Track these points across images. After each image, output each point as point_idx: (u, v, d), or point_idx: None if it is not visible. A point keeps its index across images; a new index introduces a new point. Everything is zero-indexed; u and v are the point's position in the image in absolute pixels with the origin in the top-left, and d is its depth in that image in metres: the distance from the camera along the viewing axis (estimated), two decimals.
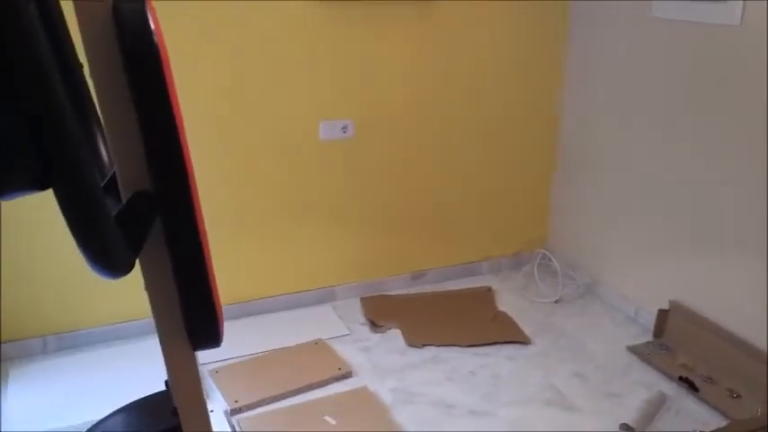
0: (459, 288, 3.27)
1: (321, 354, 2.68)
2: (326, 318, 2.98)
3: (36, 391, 2.42)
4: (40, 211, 2.45)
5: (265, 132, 2.76)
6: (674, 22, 2.59)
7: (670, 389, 2.48)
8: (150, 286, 1.01)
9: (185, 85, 2.49)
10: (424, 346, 2.77)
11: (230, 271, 2.87)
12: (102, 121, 0.93)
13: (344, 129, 2.88)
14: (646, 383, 2.52)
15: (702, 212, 2.59)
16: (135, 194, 0.93)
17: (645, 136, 2.82)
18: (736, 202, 2.44)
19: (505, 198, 3.36)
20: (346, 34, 2.76)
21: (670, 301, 2.76)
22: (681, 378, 2.51)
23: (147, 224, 0.94)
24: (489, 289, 3.26)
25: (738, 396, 2.40)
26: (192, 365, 1.07)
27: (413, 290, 3.25)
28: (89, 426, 1.26)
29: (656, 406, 2.35)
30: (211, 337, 1.03)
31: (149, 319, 1.04)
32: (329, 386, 2.49)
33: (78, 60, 1.07)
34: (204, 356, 2.56)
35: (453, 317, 3.01)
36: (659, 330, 2.79)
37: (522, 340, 2.82)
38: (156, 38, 0.84)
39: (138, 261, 0.94)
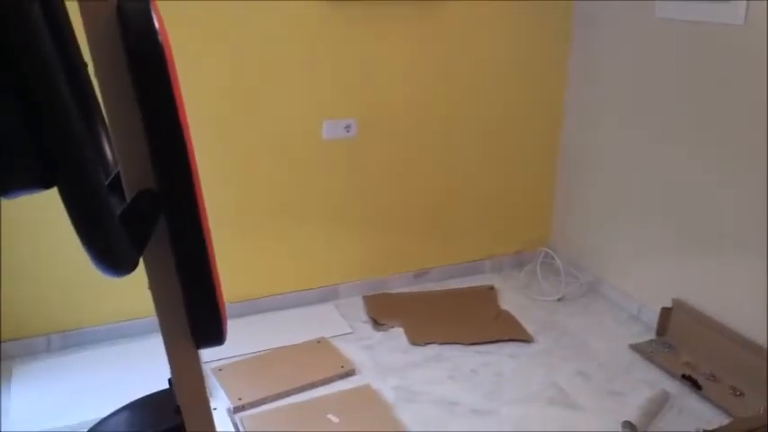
0: (461, 286, 3.27)
1: (324, 352, 2.68)
2: (329, 316, 2.98)
3: (40, 389, 2.43)
4: (44, 209, 2.45)
5: (269, 132, 2.77)
6: (678, 22, 2.59)
7: (673, 387, 2.48)
8: (154, 284, 1.01)
9: (188, 85, 2.49)
10: (426, 344, 2.77)
11: (233, 269, 2.87)
12: (106, 120, 0.93)
13: (348, 128, 2.88)
14: (648, 382, 2.52)
15: (703, 211, 2.59)
16: (139, 193, 0.93)
17: (646, 136, 2.81)
18: (736, 201, 2.44)
19: (507, 197, 3.36)
20: (348, 34, 2.76)
21: (673, 300, 2.76)
22: (684, 376, 2.51)
23: (151, 223, 0.94)
24: (492, 287, 3.26)
25: (741, 394, 2.40)
26: (196, 363, 1.07)
27: (415, 288, 3.25)
28: (92, 424, 1.26)
29: (659, 404, 2.35)
30: (215, 335, 1.03)
31: (153, 318, 1.04)
32: (332, 384, 2.49)
33: (83, 59, 1.07)
34: (207, 354, 2.56)
35: (456, 315, 3.01)
36: (662, 328, 2.79)
37: (525, 338, 2.82)
38: (160, 37, 0.85)
39: (141, 259, 0.94)
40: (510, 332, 2.86)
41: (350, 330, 2.86)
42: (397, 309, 3.04)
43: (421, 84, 2.97)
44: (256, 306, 2.98)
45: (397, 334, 2.85)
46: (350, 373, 2.55)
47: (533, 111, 3.25)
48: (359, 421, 2.27)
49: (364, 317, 2.99)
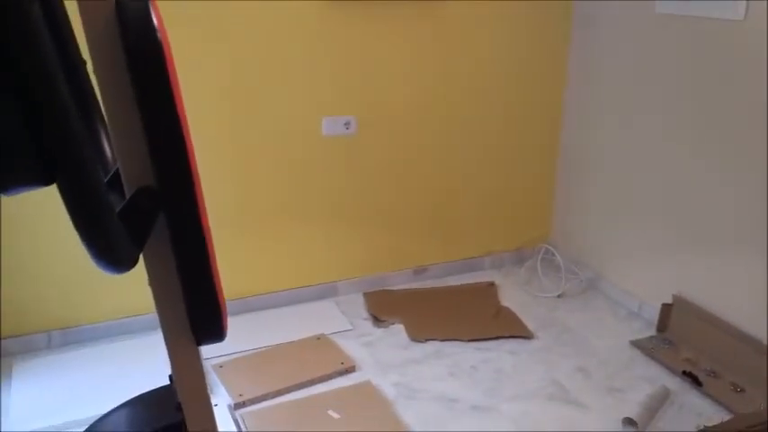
0: (461, 283, 3.27)
1: (324, 348, 2.68)
2: (329, 313, 2.98)
3: (40, 386, 2.43)
4: (44, 206, 2.45)
5: (268, 130, 2.76)
6: (678, 18, 2.58)
7: (673, 383, 2.48)
8: (154, 281, 1.01)
9: (188, 84, 2.49)
10: (426, 340, 2.77)
11: (234, 266, 2.87)
12: (105, 118, 0.93)
13: (347, 125, 2.88)
14: (649, 378, 2.52)
15: (703, 208, 2.59)
16: (138, 190, 0.93)
17: (646, 134, 2.81)
18: (736, 198, 2.44)
19: (507, 197, 3.36)
20: (348, 34, 2.76)
21: (673, 296, 2.76)
22: (684, 372, 2.51)
23: (150, 219, 0.94)
24: (492, 284, 3.26)
25: (742, 390, 2.40)
26: (196, 360, 1.07)
27: (415, 285, 3.25)
28: (93, 420, 1.27)
29: (660, 400, 2.35)
30: (215, 331, 1.03)
31: (153, 315, 1.04)
32: (332, 381, 2.50)
33: (82, 57, 1.07)
34: (208, 351, 2.56)
35: (456, 312, 3.01)
36: (662, 325, 2.79)
37: (525, 335, 2.82)
38: (159, 35, 0.85)
39: (141, 256, 0.94)
40: (510, 329, 2.86)
41: (350, 327, 2.87)
42: (398, 305, 3.04)
43: (421, 83, 2.96)
44: (257, 303, 2.98)
45: (398, 330, 2.85)
46: (350, 369, 2.56)
47: (533, 111, 3.25)
48: (359, 418, 2.28)
49: (364, 313, 2.99)
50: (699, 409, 2.35)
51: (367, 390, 2.44)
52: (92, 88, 1.08)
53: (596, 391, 2.45)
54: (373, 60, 2.84)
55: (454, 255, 3.35)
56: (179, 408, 1.10)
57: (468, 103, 3.09)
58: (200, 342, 1.05)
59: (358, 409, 2.32)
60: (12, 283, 2.55)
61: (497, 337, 2.79)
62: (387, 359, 2.64)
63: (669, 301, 2.77)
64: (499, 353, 2.70)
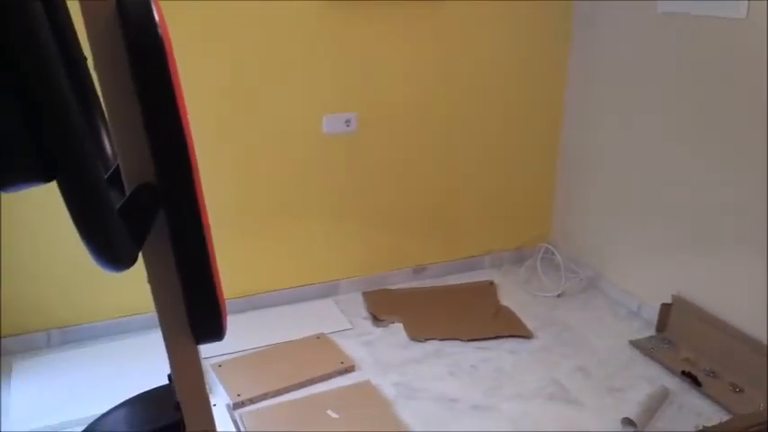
0: (461, 282, 3.27)
1: (324, 348, 2.68)
2: (329, 312, 2.98)
3: (40, 384, 2.43)
4: (44, 206, 2.45)
5: (269, 129, 2.76)
6: (679, 17, 2.58)
7: (673, 383, 2.48)
8: (153, 279, 1.00)
9: (188, 83, 2.48)
10: (426, 340, 2.77)
11: (233, 265, 2.87)
12: (105, 114, 0.93)
13: (348, 122, 2.88)
14: (648, 378, 2.52)
15: (703, 208, 2.58)
16: (138, 187, 0.93)
17: (647, 134, 2.81)
18: (736, 198, 2.44)
19: (507, 197, 3.36)
20: (348, 34, 2.75)
21: (673, 296, 2.76)
22: (683, 372, 2.51)
23: (150, 217, 0.93)
24: (491, 283, 3.26)
25: (741, 390, 2.40)
26: (195, 359, 1.07)
27: (415, 284, 3.25)
28: (92, 420, 1.26)
29: (659, 400, 2.35)
30: (214, 330, 1.03)
31: (152, 313, 1.04)
32: (332, 380, 2.49)
33: (82, 53, 1.07)
34: (207, 350, 2.56)
35: (455, 311, 3.01)
36: (662, 325, 2.79)
37: (525, 334, 2.82)
38: (160, 30, 0.84)
39: (141, 254, 0.94)
40: (510, 328, 2.86)
41: (350, 326, 2.86)
42: (397, 304, 3.04)
43: (421, 83, 2.96)
44: (256, 302, 2.97)
45: (397, 330, 2.85)
46: (349, 369, 2.55)
47: (533, 111, 3.25)
48: (359, 417, 2.27)
49: (364, 313, 2.98)
50: (698, 409, 2.35)
51: (366, 389, 2.44)
52: (92, 84, 1.08)
53: (596, 391, 2.45)
54: (373, 61, 2.84)
55: (454, 254, 3.35)
56: (178, 407, 1.09)
57: (468, 103, 3.09)
58: (199, 341, 1.04)
59: (357, 408, 2.32)
60: (12, 283, 2.54)
61: (497, 337, 2.79)
62: (386, 359, 2.64)
63: (669, 300, 2.77)
64: (499, 352, 2.70)
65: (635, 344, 2.73)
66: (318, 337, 2.76)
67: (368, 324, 2.90)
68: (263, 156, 2.79)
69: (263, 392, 2.38)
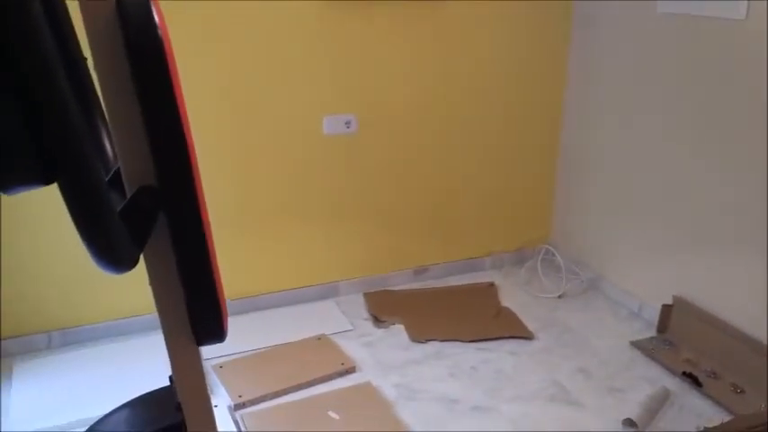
0: (461, 283, 3.27)
1: (324, 349, 2.68)
2: (330, 313, 2.98)
3: (40, 386, 2.43)
4: (44, 206, 2.45)
5: (269, 130, 2.76)
6: (678, 17, 2.58)
7: (674, 384, 2.48)
8: (154, 281, 1.00)
9: (188, 84, 2.48)
10: (427, 341, 2.77)
11: (234, 266, 2.87)
12: (106, 115, 0.93)
13: (348, 124, 2.88)
14: (649, 379, 2.52)
15: (704, 209, 2.58)
16: (139, 189, 0.93)
17: (647, 135, 2.81)
18: (736, 198, 2.43)
19: (508, 197, 3.36)
20: (348, 34, 2.75)
21: (674, 297, 2.75)
22: (684, 373, 2.51)
23: (151, 219, 0.93)
24: (492, 284, 3.26)
25: (742, 391, 2.40)
26: (196, 361, 1.07)
27: (416, 285, 3.25)
28: (93, 421, 1.26)
29: (660, 401, 2.35)
30: (215, 332, 1.03)
31: (153, 315, 1.04)
32: (332, 381, 2.49)
33: (82, 53, 1.07)
34: (208, 352, 2.56)
35: (456, 312, 3.01)
36: (663, 326, 2.78)
37: (526, 335, 2.81)
38: (160, 31, 0.84)
39: (142, 256, 0.94)
40: (510, 329, 2.86)
41: (350, 327, 2.86)
42: (398, 306, 3.04)
43: (421, 83, 2.96)
44: (257, 303, 2.97)
45: (398, 331, 2.85)
46: (350, 370, 2.55)
47: (533, 111, 3.25)
48: (359, 418, 2.27)
49: (365, 314, 2.98)
50: (699, 409, 2.35)
51: (367, 390, 2.43)
52: (92, 84, 1.08)
53: (596, 392, 2.45)
54: (373, 61, 2.84)
55: (454, 255, 3.35)
56: (179, 408, 1.09)
57: (468, 103, 3.08)
58: (200, 342, 1.04)
59: (358, 409, 2.32)
60: (12, 283, 2.54)
61: (498, 338, 2.79)
62: (387, 360, 2.63)
63: (669, 301, 2.77)
64: (499, 353, 2.69)
65: (636, 345, 2.73)
66: (319, 338, 2.76)
67: (369, 325, 2.89)
68: (263, 156, 2.79)
69: (264, 393, 2.38)
